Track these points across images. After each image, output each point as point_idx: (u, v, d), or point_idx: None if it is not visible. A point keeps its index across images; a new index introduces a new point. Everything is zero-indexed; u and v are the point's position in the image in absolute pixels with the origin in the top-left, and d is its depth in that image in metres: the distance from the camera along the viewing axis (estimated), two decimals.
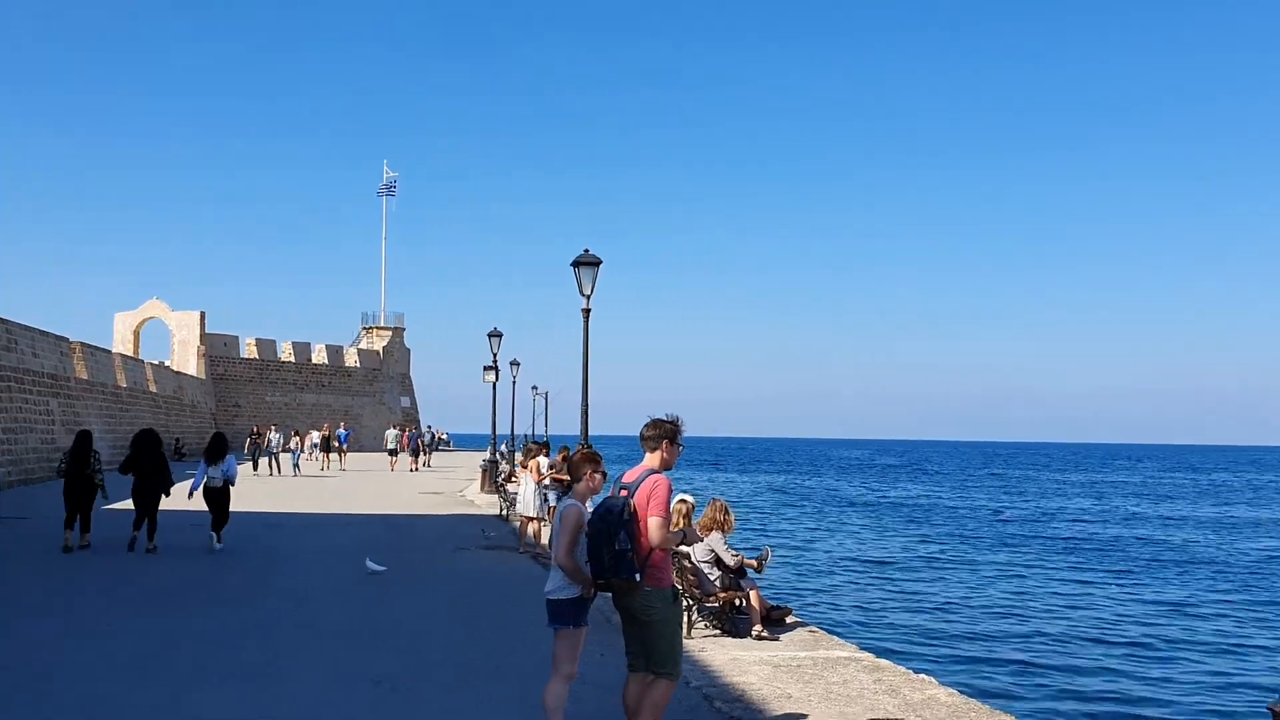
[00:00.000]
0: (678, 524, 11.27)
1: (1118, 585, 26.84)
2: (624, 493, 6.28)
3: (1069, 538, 39.41)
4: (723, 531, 11.24)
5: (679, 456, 6.51)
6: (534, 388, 72.29)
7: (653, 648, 6.26)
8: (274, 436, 42.14)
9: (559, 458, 18.29)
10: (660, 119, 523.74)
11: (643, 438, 6.46)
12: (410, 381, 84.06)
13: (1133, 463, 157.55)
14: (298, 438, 44.53)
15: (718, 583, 11.12)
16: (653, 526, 6.17)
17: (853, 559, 31.39)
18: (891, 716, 7.90)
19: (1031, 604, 23.41)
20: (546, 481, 17.80)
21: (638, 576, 6.08)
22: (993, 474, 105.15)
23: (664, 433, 6.41)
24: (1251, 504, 63.98)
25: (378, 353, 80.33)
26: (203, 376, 63.94)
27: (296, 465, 40.76)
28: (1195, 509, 58.10)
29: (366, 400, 78.18)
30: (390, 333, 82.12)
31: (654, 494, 6.21)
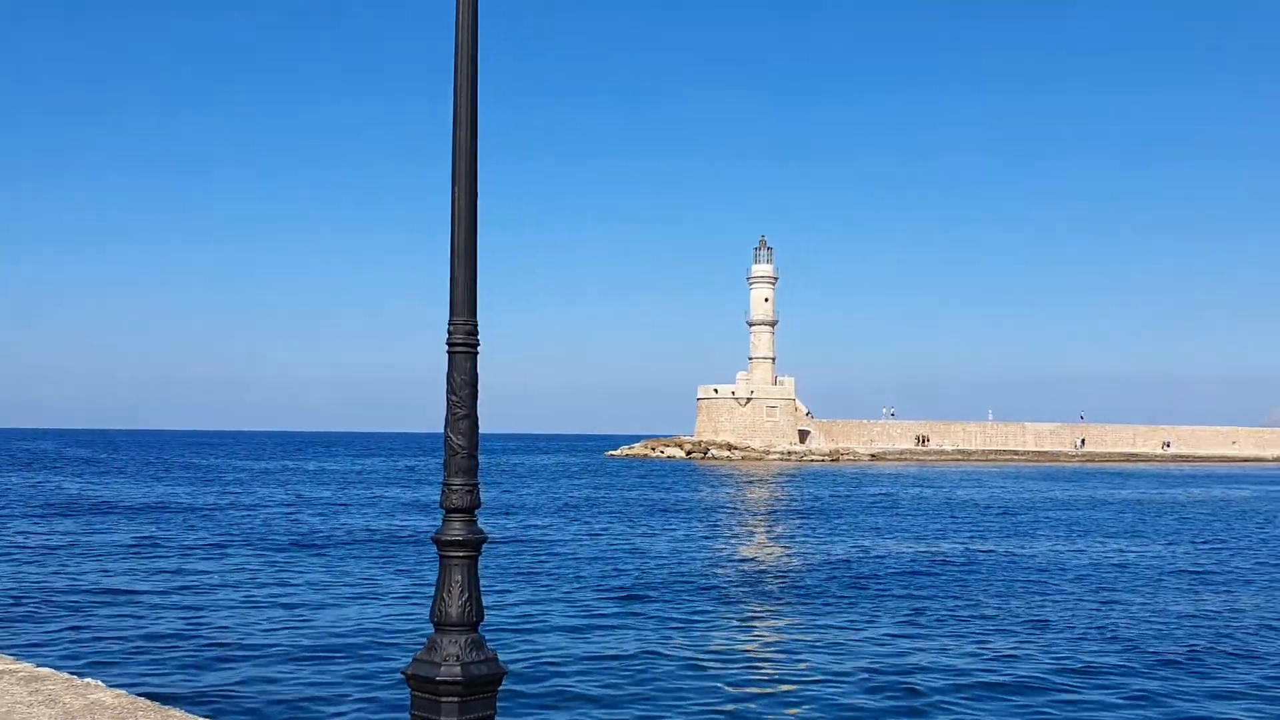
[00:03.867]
0: None
1: (311, 567, 28.13)
2: None
3: (263, 529, 40.26)
4: None
5: None
6: None
7: None
8: None
9: None
10: None
11: None
12: None
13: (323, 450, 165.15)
14: None
15: None
16: None
17: (18, 563, 28.71)
18: None
19: (215, 591, 23.57)
20: None
21: None
22: (178, 463, 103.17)
23: None
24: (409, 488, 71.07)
25: None
26: None
27: None
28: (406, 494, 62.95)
29: None
30: None
31: None
